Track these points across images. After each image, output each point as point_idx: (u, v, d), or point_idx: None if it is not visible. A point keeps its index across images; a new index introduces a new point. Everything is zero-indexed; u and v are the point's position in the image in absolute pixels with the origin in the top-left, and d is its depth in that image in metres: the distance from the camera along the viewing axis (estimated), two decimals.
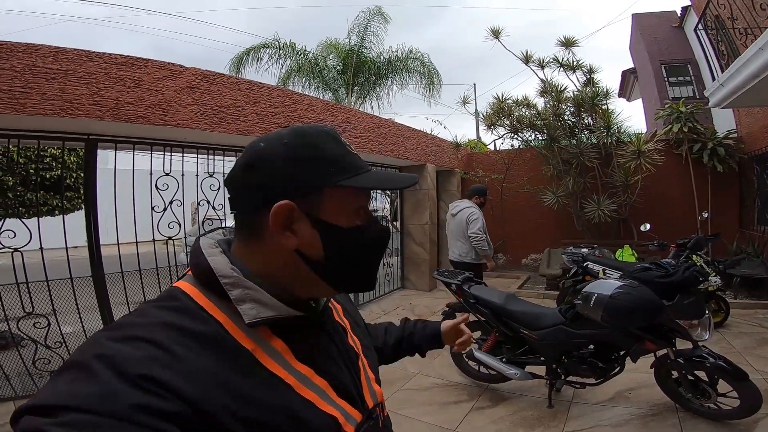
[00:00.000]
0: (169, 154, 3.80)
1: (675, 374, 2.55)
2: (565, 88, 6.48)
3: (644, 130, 10.69)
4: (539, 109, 6.71)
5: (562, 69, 6.34)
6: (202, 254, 0.56)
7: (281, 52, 8.72)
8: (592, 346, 2.62)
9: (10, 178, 4.29)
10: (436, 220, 7.59)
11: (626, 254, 5.83)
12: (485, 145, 11.30)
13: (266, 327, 0.53)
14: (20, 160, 4.29)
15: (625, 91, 13.48)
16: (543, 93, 6.59)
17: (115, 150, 3.75)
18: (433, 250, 7.15)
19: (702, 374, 2.45)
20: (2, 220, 2.99)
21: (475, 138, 10.85)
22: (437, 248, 7.70)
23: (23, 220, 3.26)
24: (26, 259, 2.95)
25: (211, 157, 4.09)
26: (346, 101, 9.37)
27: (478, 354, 2.92)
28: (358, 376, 0.66)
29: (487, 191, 4.63)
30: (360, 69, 9.46)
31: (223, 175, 4.02)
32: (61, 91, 2.81)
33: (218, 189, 3.95)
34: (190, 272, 0.58)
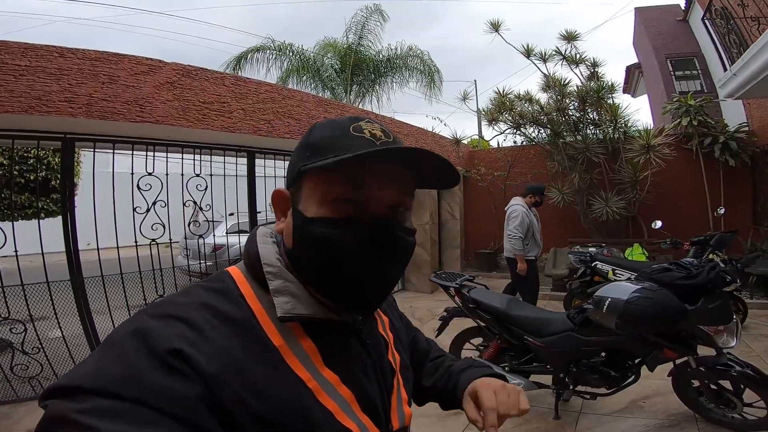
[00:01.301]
0: (152, 153, 3.62)
1: (696, 383, 2.33)
2: (569, 82, 6.26)
3: (651, 126, 10.46)
4: (542, 104, 6.50)
5: (564, 62, 6.14)
6: (255, 241, 0.56)
7: (278, 53, 8.61)
8: (604, 354, 2.41)
9: None
10: (437, 220, 7.39)
11: (636, 253, 5.59)
12: (487, 142, 11.10)
13: (299, 325, 0.51)
14: (3, 161, 4.14)
15: (629, 87, 13.22)
16: (546, 87, 6.38)
17: (94, 150, 3.58)
18: (434, 251, 6.94)
19: (726, 383, 2.22)
20: None
21: (477, 136, 10.63)
22: (439, 249, 7.50)
23: (7, 222, 3.11)
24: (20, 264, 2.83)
25: (198, 156, 3.92)
26: (345, 100, 9.22)
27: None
28: (389, 393, 0.61)
29: (544, 190, 4.49)
30: (358, 67, 9.31)
31: (210, 176, 3.93)
32: (30, 88, 2.66)
33: (205, 189, 3.77)
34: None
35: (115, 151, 3.49)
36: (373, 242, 0.50)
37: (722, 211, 5.51)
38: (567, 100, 6.26)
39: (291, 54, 8.76)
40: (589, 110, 6.44)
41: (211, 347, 0.43)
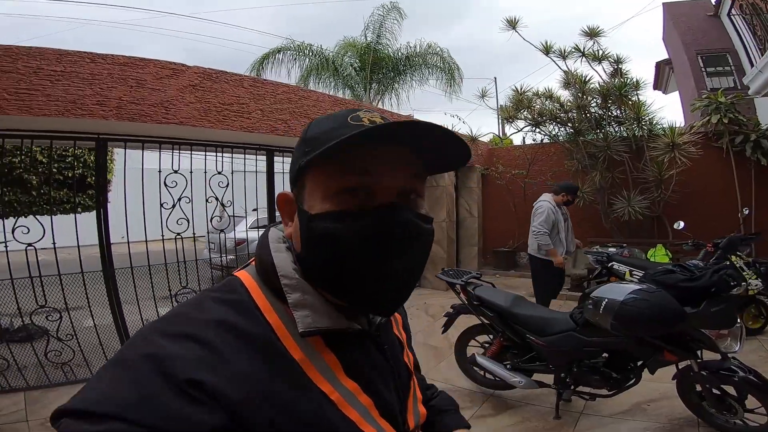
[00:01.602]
0: (177, 152, 3.83)
1: (699, 387, 2.31)
2: (590, 79, 6.12)
3: (682, 123, 10.07)
4: (562, 101, 6.38)
5: (584, 59, 6.00)
6: (267, 248, 0.53)
7: (298, 53, 8.77)
8: (605, 355, 2.41)
9: (34, 177, 4.47)
10: (455, 218, 7.40)
11: (659, 254, 5.44)
12: (510, 140, 10.96)
13: (319, 337, 0.49)
14: (43, 159, 4.47)
15: (660, 83, 12.72)
16: (566, 85, 6.26)
17: (125, 148, 3.83)
18: (451, 249, 6.96)
19: (730, 388, 2.19)
20: (16, 218, 3.10)
21: (498, 133, 10.51)
22: (456, 247, 7.50)
23: (46, 216, 3.39)
24: (61, 255, 3.09)
25: (219, 154, 4.11)
26: (365, 98, 9.33)
27: (480, 359, 2.77)
28: (406, 396, 0.60)
29: (577, 190, 4.42)
30: (377, 66, 9.34)
31: (231, 173, 4.11)
32: (65, 92, 2.87)
33: (227, 186, 3.96)
34: (253, 262, 0.55)
35: (144, 150, 3.75)
36: (386, 232, 0.46)
37: (746, 211, 5.29)
38: (588, 98, 6.13)
39: (310, 54, 8.92)
40: (612, 107, 6.28)
41: (233, 371, 0.42)
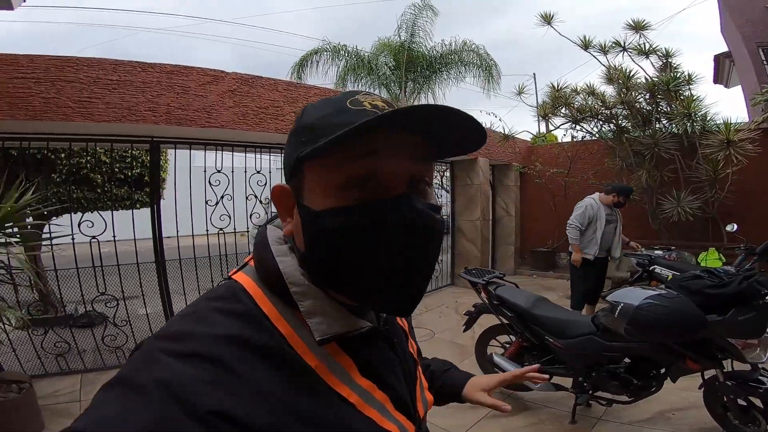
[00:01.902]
0: (221, 152, 4.14)
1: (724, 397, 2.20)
2: (634, 74, 5.80)
3: (746, 118, 9.24)
4: (605, 97, 6.09)
5: (631, 53, 5.69)
6: (269, 251, 0.49)
7: (334, 54, 8.99)
8: (627, 361, 2.36)
9: (98, 176, 4.98)
10: (490, 217, 7.30)
11: (711, 258, 5.07)
12: (554, 136, 10.59)
13: (333, 341, 0.47)
14: (106, 160, 4.97)
15: (720, 77, 11.70)
16: (609, 80, 5.97)
17: (175, 149, 4.19)
18: (485, 248, 6.89)
19: (757, 400, 2.08)
20: (82, 213, 3.50)
21: (537, 131, 10.21)
22: (491, 246, 7.41)
23: (106, 212, 3.81)
24: (121, 248, 3.47)
25: (258, 154, 4.38)
26: (401, 97, 9.41)
27: (497, 359, 2.78)
28: (414, 385, 0.60)
29: (630, 193, 4.34)
30: (412, 64, 9.35)
31: (270, 172, 4.37)
32: (122, 100, 3.20)
33: (265, 184, 4.22)
34: (251, 263, 0.52)
35: (192, 150, 4.08)
36: (404, 226, 0.43)
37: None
38: (633, 93, 5.81)
39: (346, 54, 9.11)
40: (661, 103, 5.91)
41: (253, 392, 0.40)
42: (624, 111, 5.96)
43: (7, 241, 2.56)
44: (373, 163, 0.43)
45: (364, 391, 0.49)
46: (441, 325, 4.67)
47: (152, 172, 4.17)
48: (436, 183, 7.29)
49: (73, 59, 3.00)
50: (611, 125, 6.29)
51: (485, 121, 7.00)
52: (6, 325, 2.96)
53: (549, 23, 5.99)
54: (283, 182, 0.51)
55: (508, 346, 2.97)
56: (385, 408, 0.51)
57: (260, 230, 0.54)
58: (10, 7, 4.23)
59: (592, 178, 6.74)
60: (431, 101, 9.89)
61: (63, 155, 4.71)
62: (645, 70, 5.88)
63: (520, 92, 6.81)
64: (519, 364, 2.69)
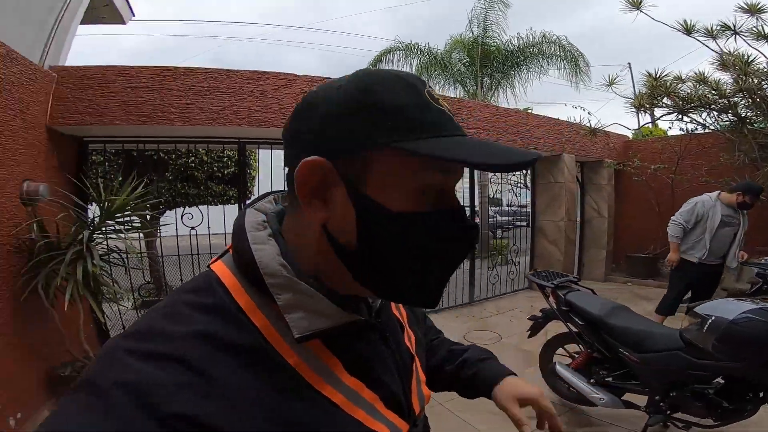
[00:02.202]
0: None
1: None
2: (754, 60, 4.87)
3: None
4: (719, 84, 5.20)
5: (739, 37, 4.80)
6: (245, 239, 0.45)
7: (406, 52, 9.02)
8: (721, 381, 2.01)
9: (200, 174, 5.67)
10: (576, 217, 6.72)
11: None
12: (663, 130, 9.39)
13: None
14: (206, 159, 5.64)
15: None
16: (723, 66, 5.08)
17: (258, 149, 4.60)
18: (570, 251, 6.36)
19: None
20: (184, 207, 4.03)
21: (638, 124, 9.07)
22: (576, 248, 6.81)
23: (200, 207, 4.36)
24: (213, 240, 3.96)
25: None
26: (479, 94, 9.17)
27: (559, 368, 2.55)
28: (409, 381, 0.57)
29: (760, 192, 3.84)
30: (487, 60, 9.02)
31: None
32: (211, 105, 3.60)
33: None
34: (231, 251, 0.48)
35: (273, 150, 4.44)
36: (461, 235, 0.44)
37: None
38: (755, 80, 4.87)
39: (418, 53, 9.08)
40: None
41: (225, 394, 0.37)
42: (745, 100, 5.04)
43: (120, 228, 3.04)
44: (448, 178, 0.44)
45: (350, 390, 0.46)
46: (510, 329, 4.44)
47: (240, 170, 4.65)
48: (516, 180, 6.93)
49: (171, 69, 3.45)
50: (728, 115, 5.35)
51: (572, 115, 6.43)
52: (120, 307, 3.54)
53: (638, 8, 5.29)
54: (311, 157, 0.41)
55: (576, 356, 2.71)
56: (374, 408, 0.48)
57: (239, 214, 0.50)
58: (122, 22, 5.00)
59: (705, 175, 5.81)
60: (510, 97, 9.56)
61: (173, 156, 5.44)
62: (765, 55, 4.91)
63: (611, 83, 6.11)
64: (585, 377, 2.45)
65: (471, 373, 0.77)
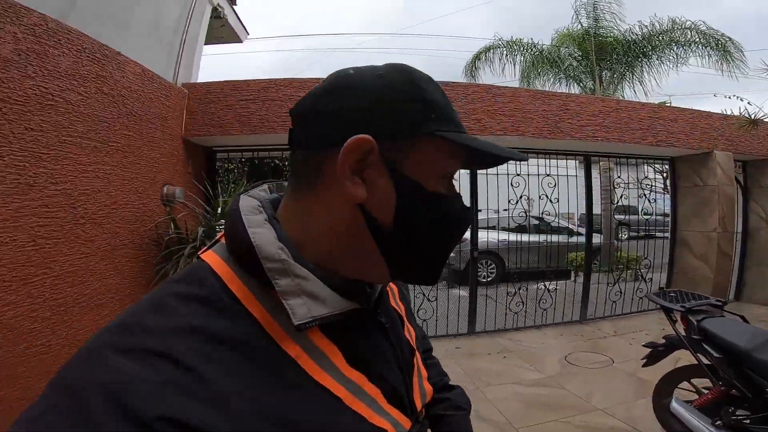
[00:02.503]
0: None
1: None
2: None
3: None
4: None
5: None
6: (240, 223, 0.44)
7: (508, 49, 8.44)
8: None
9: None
10: (736, 228, 5.41)
11: None
12: None
13: (316, 325, 0.42)
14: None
15: None
16: None
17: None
18: (724, 267, 5.11)
19: None
20: None
21: None
22: (734, 266, 5.45)
23: None
24: None
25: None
26: (597, 89, 8.17)
27: (677, 406, 2.05)
28: (410, 375, 0.56)
29: None
30: (603, 52, 8.02)
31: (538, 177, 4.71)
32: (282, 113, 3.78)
33: (554, 186, 4.80)
34: (223, 239, 0.46)
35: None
36: (467, 216, 0.50)
37: None
38: None
39: (522, 49, 8.44)
40: None
41: (217, 393, 0.34)
42: None
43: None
44: (455, 167, 0.48)
45: (352, 383, 0.44)
46: (627, 353, 3.79)
47: None
48: (649, 184, 5.97)
49: (273, 81, 3.81)
50: None
51: (727, 108, 5.22)
52: None
53: None
54: (357, 134, 0.41)
55: (705, 392, 2.14)
56: (376, 402, 0.46)
57: (232, 199, 0.49)
58: (239, 40, 5.66)
59: None
60: (639, 91, 8.36)
61: (287, 162, 6.04)
62: None
63: None
64: (710, 417, 1.90)
65: (446, 414, 0.72)
